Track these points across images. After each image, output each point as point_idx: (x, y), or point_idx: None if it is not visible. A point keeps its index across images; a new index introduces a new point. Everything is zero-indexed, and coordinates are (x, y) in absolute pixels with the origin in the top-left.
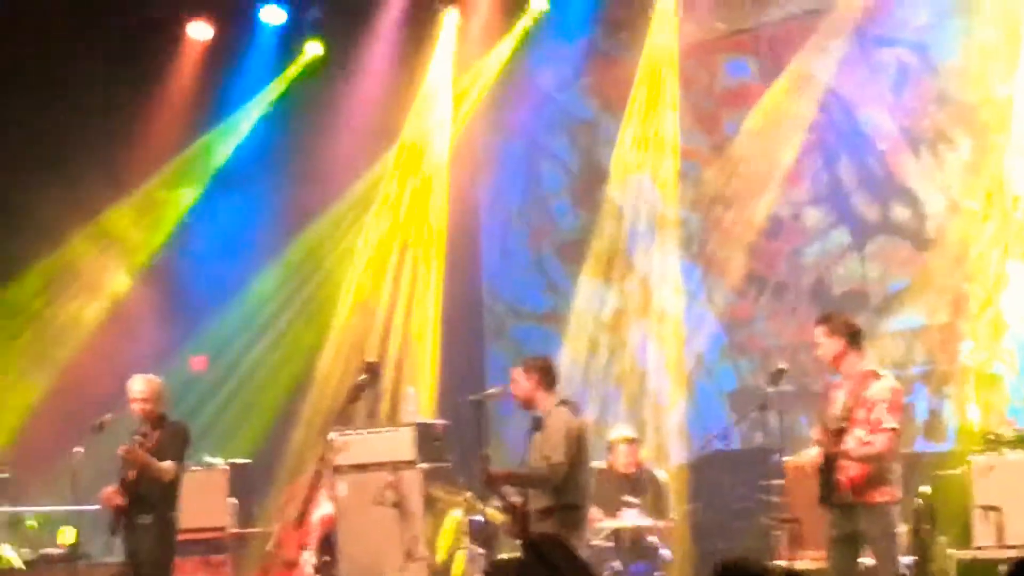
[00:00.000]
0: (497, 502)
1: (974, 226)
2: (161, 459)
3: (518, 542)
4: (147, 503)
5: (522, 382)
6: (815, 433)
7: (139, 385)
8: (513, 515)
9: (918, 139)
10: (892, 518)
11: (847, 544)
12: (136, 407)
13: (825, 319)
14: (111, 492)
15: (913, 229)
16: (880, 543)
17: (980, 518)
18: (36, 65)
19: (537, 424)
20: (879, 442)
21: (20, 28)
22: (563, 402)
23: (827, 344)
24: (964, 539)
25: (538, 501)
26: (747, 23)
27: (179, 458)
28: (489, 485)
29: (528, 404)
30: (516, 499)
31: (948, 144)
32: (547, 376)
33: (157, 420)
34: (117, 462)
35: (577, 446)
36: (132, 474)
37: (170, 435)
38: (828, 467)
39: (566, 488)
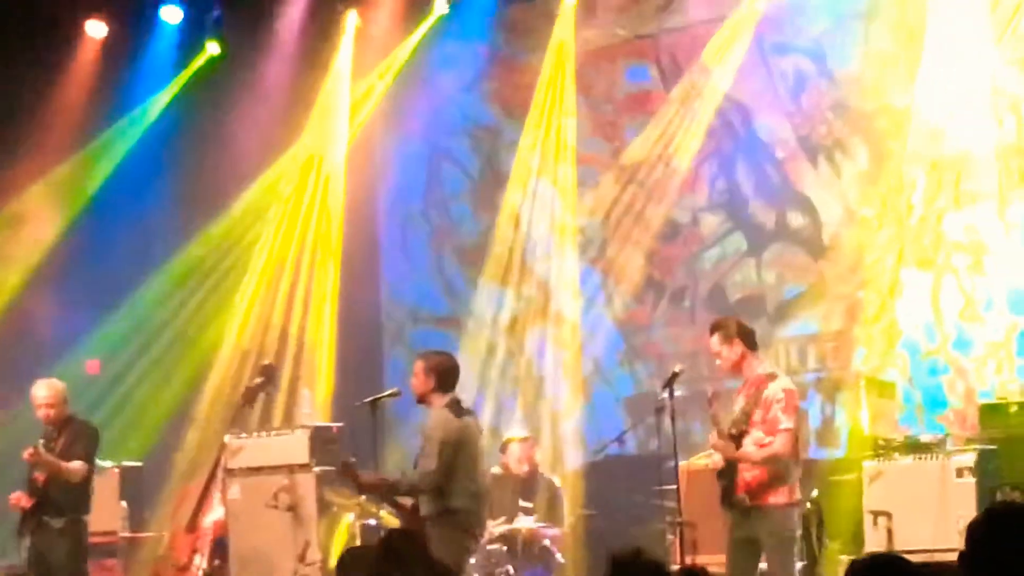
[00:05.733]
0: (388, 507)
1: (869, 234)
2: (68, 460)
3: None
4: (57, 505)
5: (421, 378)
6: (711, 438)
7: (43, 391)
8: (403, 517)
9: (815, 147)
10: (789, 521)
11: (746, 547)
12: (41, 413)
13: (718, 326)
14: (18, 494)
15: (809, 236)
16: (775, 547)
17: (871, 523)
18: None
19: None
20: (777, 443)
21: None
22: (447, 404)
23: (726, 351)
24: (856, 544)
25: (425, 507)
26: (648, 29)
27: (88, 458)
28: (359, 491)
29: (422, 401)
30: (405, 501)
31: (844, 152)
32: (445, 379)
33: (64, 422)
34: (24, 464)
35: (455, 449)
36: (40, 476)
37: (77, 435)
38: (729, 470)
39: (451, 492)
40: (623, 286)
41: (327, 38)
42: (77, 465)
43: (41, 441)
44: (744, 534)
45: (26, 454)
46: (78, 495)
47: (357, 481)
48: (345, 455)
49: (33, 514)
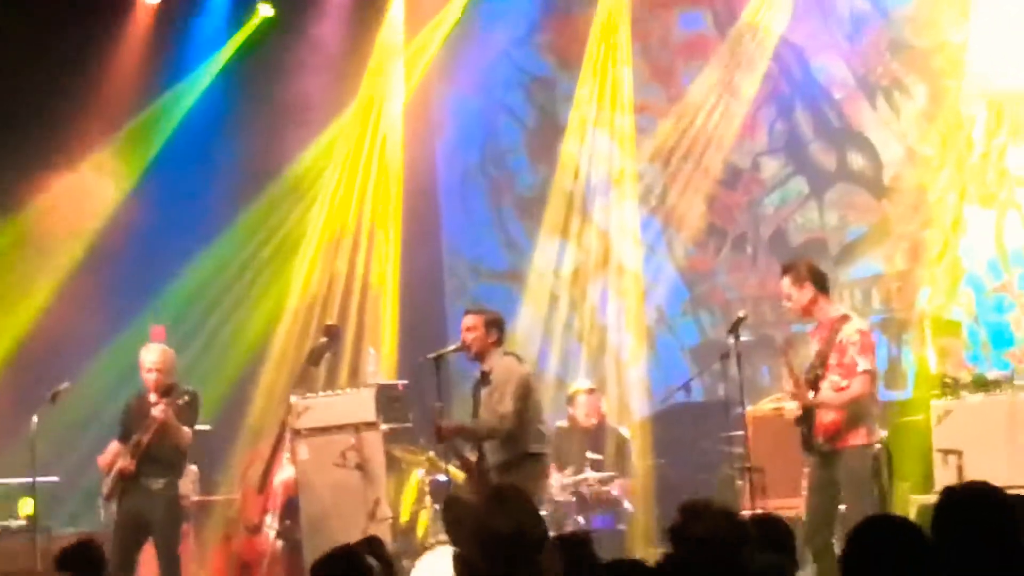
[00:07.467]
0: (455, 459)
1: (930, 172)
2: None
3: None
4: (160, 467)
5: (481, 331)
6: (787, 385)
7: (153, 355)
8: (469, 471)
9: (873, 87)
10: (866, 460)
11: (827, 490)
12: (150, 377)
13: (789, 268)
14: (115, 455)
15: (870, 177)
16: (852, 487)
17: (940, 462)
18: None
19: (484, 378)
20: (856, 385)
21: None
22: (507, 353)
23: (796, 294)
24: (926, 484)
25: (496, 455)
26: None
27: (192, 425)
28: (440, 439)
29: (479, 356)
30: (470, 455)
31: (903, 91)
32: (503, 333)
33: (167, 390)
34: (137, 424)
35: (525, 394)
36: (145, 438)
37: (186, 403)
38: (807, 416)
39: (522, 437)
40: (684, 233)
41: None
42: (188, 430)
43: (165, 400)
44: (825, 478)
45: (159, 411)
46: (181, 458)
47: (438, 427)
48: (436, 404)
49: (133, 476)
